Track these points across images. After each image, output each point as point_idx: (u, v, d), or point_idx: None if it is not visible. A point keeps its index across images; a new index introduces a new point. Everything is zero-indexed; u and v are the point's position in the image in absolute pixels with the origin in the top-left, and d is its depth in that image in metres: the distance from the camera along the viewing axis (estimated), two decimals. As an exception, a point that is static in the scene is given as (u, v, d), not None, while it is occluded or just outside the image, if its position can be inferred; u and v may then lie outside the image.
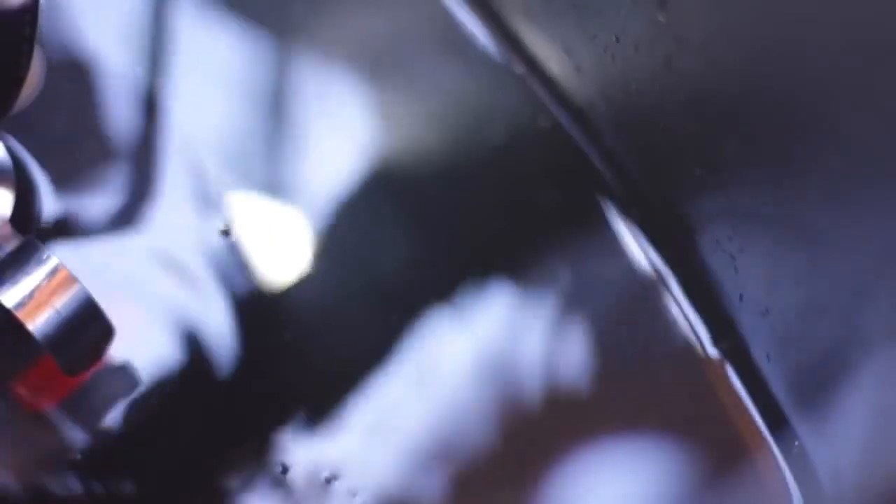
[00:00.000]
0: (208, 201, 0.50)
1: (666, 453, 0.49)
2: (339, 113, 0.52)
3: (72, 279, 0.39)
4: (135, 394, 0.46)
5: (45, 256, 0.39)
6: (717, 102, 0.43)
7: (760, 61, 0.40)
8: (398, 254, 0.51)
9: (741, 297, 0.47)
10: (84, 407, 0.45)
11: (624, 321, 0.51)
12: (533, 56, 0.50)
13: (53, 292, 0.39)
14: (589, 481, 0.48)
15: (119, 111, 0.48)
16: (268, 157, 0.51)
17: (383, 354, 0.49)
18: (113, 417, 0.46)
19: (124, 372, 0.45)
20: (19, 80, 0.39)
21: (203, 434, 0.47)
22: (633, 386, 0.50)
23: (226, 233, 0.48)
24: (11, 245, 0.39)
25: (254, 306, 0.49)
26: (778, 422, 0.48)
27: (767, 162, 0.42)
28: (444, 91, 0.53)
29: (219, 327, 0.48)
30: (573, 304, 0.50)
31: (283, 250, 0.50)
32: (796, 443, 0.47)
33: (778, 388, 0.48)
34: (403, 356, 0.49)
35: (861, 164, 0.39)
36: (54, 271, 0.39)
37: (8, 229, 0.39)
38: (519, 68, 0.51)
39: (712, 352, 0.49)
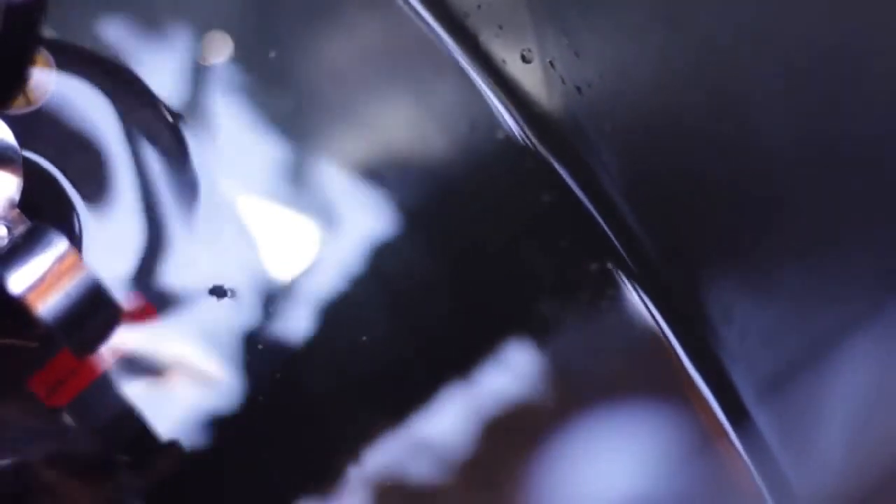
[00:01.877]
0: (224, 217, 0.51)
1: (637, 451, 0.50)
2: (343, 127, 0.53)
3: (80, 263, 0.39)
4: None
5: (53, 240, 0.39)
6: (715, 88, 0.44)
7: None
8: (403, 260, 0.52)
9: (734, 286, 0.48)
10: (94, 405, 0.46)
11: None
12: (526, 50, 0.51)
13: (62, 276, 0.39)
14: (565, 472, 0.49)
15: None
16: (280, 166, 0.52)
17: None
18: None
19: (130, 374, 0.46)
20: (25, 70, 0.39)
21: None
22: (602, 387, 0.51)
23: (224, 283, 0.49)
24: (20, 229, 0.39)
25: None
26: (746, 427, 0.49)
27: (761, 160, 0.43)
28: (435, 105, 0.53)
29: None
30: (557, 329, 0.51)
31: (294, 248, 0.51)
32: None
33: (748, 393, 0.49)
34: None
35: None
36: (63, 255, 0.39)
37: (16, 213, 0.39)
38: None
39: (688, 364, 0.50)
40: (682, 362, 0.50)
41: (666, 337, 0.50)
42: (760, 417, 0.48)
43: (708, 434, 0.49)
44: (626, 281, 0.51)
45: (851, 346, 0.41)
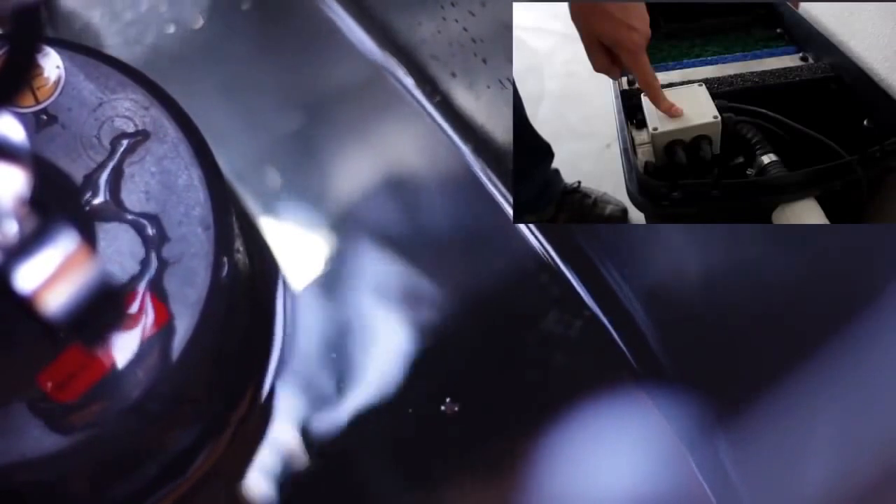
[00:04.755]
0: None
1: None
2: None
3: (89, 258, 0.39)
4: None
5: (63, 236, 0.39)
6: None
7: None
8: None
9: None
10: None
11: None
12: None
13: (71, 271, 0.39)
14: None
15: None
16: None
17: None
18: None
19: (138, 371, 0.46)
20: (33, 67, 0.40)
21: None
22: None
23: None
24: (30, 225, 0.39)
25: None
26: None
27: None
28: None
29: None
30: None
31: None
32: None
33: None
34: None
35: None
36: (72, 251, 0.39)
37: (26, 209, 0.39)
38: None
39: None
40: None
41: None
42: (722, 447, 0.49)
43: (667, 455, 0.50)
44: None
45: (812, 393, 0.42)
